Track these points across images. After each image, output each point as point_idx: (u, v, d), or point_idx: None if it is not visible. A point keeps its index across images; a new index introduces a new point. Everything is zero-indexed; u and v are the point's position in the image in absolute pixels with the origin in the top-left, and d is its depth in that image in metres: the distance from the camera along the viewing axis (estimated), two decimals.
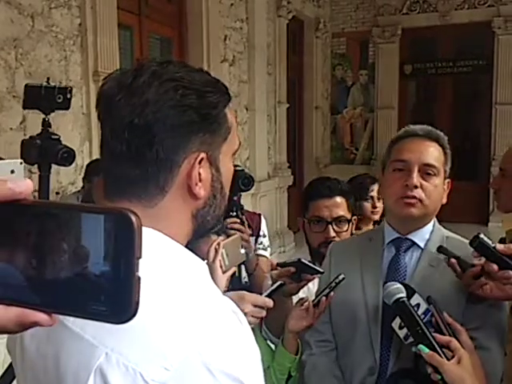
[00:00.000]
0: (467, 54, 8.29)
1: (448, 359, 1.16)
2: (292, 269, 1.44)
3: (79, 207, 0.45)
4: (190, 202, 0.79)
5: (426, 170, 1.39)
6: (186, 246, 0.79)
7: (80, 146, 3.57)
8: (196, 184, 0.77)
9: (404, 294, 1.26)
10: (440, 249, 1.35)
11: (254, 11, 6.06)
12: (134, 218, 0.42)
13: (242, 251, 1.57)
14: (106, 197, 0.79)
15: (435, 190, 1.39)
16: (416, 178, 1.37)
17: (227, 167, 0.84)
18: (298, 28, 7.92)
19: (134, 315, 0.42)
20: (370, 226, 2.65)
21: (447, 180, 1.44)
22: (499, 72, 7.81)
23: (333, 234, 1.84)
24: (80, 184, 3.30)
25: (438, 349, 1.18)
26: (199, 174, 0.77)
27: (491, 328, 1.34)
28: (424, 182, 1.38)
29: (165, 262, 0.73)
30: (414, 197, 1.37)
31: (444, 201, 1.44)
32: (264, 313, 1.22)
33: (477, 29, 7.95)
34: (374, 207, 2.69)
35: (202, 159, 0.77)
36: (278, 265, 1.49)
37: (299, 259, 1.45)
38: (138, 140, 0.75)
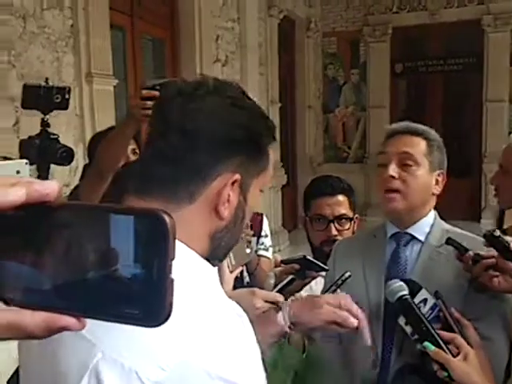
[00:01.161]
0: (457, 52, 8.34)
1: (454, 356, 1.16)
2: (296, 266, 1.44)
3: (108, 208, 0.43)
4: (213, 219, 0.79)
5: (404, 161, 1.40)
6: None
7: (74, 147, 3.54)
8: (223, 204, 0.77)
9: (407, 292, 1.26)
10: (449, 241, 1.35)
11: (245, 11, 6.06)
12: (167, 219, 0.41)
13: (248, 251, 1.57)
14: (135, 192, 0.80)
15: (415, 180, 1.39)
16: (392, 170, 1.39)
17: (254, 200, 0.84)
18: (290, 28, 7.93)
19: (167, 318, 0.41)
20: None
21: (438, 171, 1.44)
22: (489, 69, 7.86)
23: (335, 232, 1.83)
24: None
25: (443, 345, 1.18)
26: (229, 195, 0.78)
27: (493, 318, 1.34)
28: (403, 173, 1.39)
29: (175, 266, 0.72)
30: (392, 189, 1.39)
31: (436, 192, 1.45)
32: None
33: (466, 27, 7.99)
34: None
35: (235, 181, 0.78)
36: (282, 262, 1.49)
37: (304, 256, 1.45)
38: (183, 144, 0.76)
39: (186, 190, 0.76)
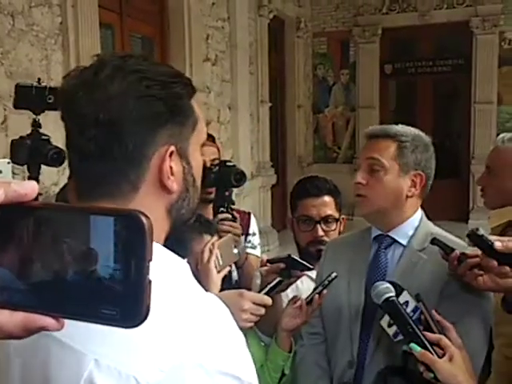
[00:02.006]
0: (446, 54, 8.40)
1: (439, 357, 1.17)
2: (282, 265, 1.44)
3: (88, 209, 0.43)
4: (164, 196, 0.77)
5: (372, 166, 1.42)
6: (166, 246, 0.78)
7: (62, 146, 3.52)
8: (168, 178, 0.76)
9: (393, 294, 1.27)
10: (434, 241, 1.35)
11: (235, 10, 6.05)
12: (145, 220, 0.41)
13: (235, 251, 1.57)
14: (78, 198, 0.76)
15: (381, 185, 1.40)
16: (360, 176, 1.41)
17: (197, 159, 0.82)
18: (280, 27, 7.93)
19: (145, 319, 0.42)
20: None
21: (413, 172, 1.42)
22: (477, 71, 7.92)
23: (321, 233, 1.84)
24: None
25: (429, 347, 1.18)
26: (170, 167, 0.76)
27: (468, 322, 1.34)
28: (371, 178, 1.42)
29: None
30: (359, 194, 1.42)
31: (410, 194, 1.43)
32: (263, 310, 1.23)
33: (455, 28, 8.06)
34: None
35: (172, 152, 0.76)
36: (268, 261, 1.49)
37: (289, 255, 1.45)
38: (105, 136, 0.72)
39: (127, 182, 0.74)
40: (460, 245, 1.40)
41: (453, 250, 1.31)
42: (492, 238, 1.22)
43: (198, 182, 0.83)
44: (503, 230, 1.89)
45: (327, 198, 1.88)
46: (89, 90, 0.73)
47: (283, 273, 1.45)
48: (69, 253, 0.42)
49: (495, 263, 1.20)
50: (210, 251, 1.38)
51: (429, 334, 1.21)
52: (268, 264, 1.48)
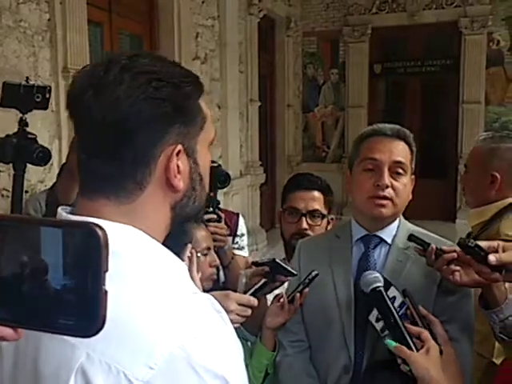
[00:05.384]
0: (435, 54, 8.44)
1: (418, 350, 1.18)
2: (266, 268, 1.44)
3: (39, 221, 0.45)
4: (169, 194, 0.78)
5: (396, 169, 1.39)
6: (166, 245, 0.78)
7: (49, 143, 3.49)
8: (175, 176, 0.76)
9: (381, 284, 1.27)
10: (411, 237, 1.37)
11: (225, 9, 6.04)
12: (100, 232, 0.42)
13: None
14: (82, 195, 0.77)
15: (404, 189, 1.40)
16: (387, 178, 1.37)
17: (204, 158, 0.83)
18: (270, 26, 7.94)
19: (101, 328, 0.43)
20: None
21: (412, 176, 1.45)
22: (466, 71, 7.98)
23: (305, 225, 1.85)
24: (49, 182, 3.23)
25: (409, 339, 1.20)
26: (177, 166, 0.76)
27: (461, 320, 1.36)
28: (394, 182, 1.38)
29: (145, 262, 0.72)
30: (386, 197, 1.37)
31: (410, 197, 1.45)
32: (249, 311, 1.23)
33: (444, 29, 8.12)
34: None
35: (179, 151, 0.76)
36: (253, 263, 1.49)
37: (274, 259, 1.44)
38: (113, 137, 0.73)
39: (133, 181, 0.75)
40: (441, 242, 1.41)
41: (429, 245, 1.32)
42: (482, 244, 1.21)
43: (206, 180, 0.84)
44: (481, 229, 1.92)
45: (317, 194, 1.91)
46: (97, 90, 0.73)
47: (268, 276, 1.44)
48: (23, 264, 0.43)
49: (489, 270, 1.19)
50: (190, 259, 1.38)
51: (411, 327, 1.23)
52: (253, 266, 1.48)
